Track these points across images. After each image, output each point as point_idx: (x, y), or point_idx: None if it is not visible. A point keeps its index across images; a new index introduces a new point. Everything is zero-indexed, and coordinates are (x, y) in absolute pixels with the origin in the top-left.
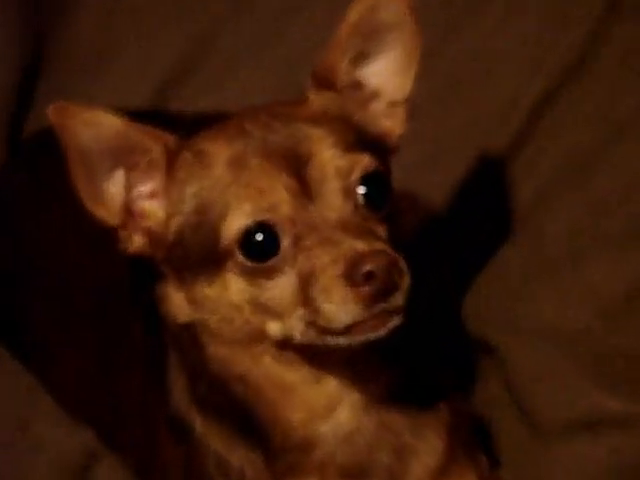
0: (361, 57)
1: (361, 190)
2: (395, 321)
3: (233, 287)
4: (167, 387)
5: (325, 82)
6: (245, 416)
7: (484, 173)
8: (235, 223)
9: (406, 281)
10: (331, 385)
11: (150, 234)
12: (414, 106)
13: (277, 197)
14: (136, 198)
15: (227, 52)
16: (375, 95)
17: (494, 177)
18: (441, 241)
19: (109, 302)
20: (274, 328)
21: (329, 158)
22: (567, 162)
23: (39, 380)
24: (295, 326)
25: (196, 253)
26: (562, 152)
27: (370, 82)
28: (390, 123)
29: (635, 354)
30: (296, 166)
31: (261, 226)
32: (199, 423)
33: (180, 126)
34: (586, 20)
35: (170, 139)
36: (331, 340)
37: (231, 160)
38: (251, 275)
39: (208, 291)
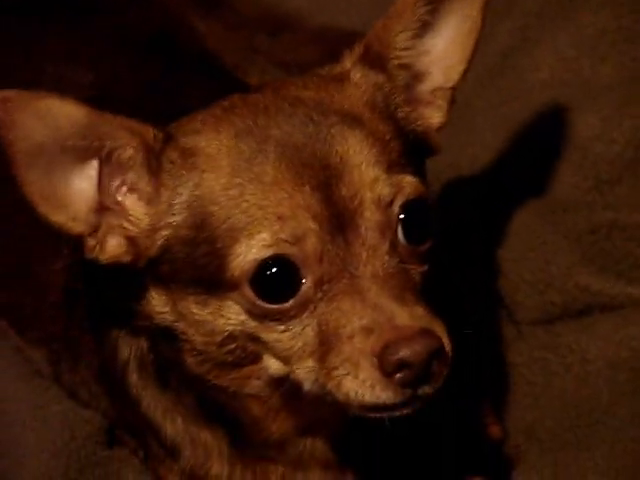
0: (422, 29)
1: (402, 222)
2: (419, 404)
3: (232, 317)
4: (99, 329)
5: (376, 59)
6: (214, 408)
7: None
8: (249, 253)
9: (446, 369)
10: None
11: (130, 240)
12: None
13: (303, 226)
14: (113, 193)
15: None
16: (422, 76)
17: None
18: None
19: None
20: (274, 366)
21: (369, 181)
22: None
23: None
24: (303, 376)
25: (187, 271)
26: None
27: (422, 59)
28: (431, 113)
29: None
30: (325, 180)
31: (280, 260)
32: (133, 382)
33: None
34: None
35: (148, 132)
36: (347, 407)
37: (237, 165)
38: (260, 313)
39: (198, 312)
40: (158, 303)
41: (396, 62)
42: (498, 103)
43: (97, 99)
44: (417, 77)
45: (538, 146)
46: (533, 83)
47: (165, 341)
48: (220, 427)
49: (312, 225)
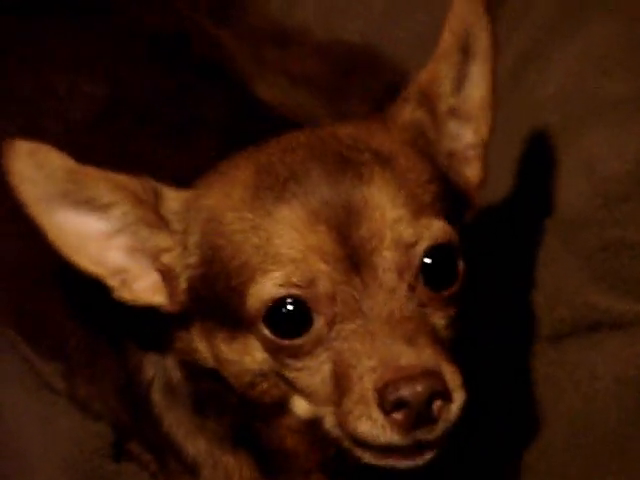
0: (460, 80)
1: (426, 265)
2: (431, 454)
3: (256, 354)
4: (130, 362)
5: (427, 101)
6: (247, 435)
7: None
8: (262, 292)
9: (454, 410)
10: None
11: (164, 275)
12: None
13: (314, 269)
14: (139, 238)
15: None
16: (461, 130)
17: None
18: None
19: None
20: (301, 407)
21: (390, 221)
22: (559, 8)
23: None
24: (327, 415)
25: (214, 309)
26: None
27: (462, 109)
28: (468, 169)
29: None
30: (345, 220)
31: (292, 300)
32: (156, 400)
33: None
34: None
35: (137, 187)
36: (361, 453)
37: (250, 200)
38: (277, 349)
39: (227, 351)
40: (202, 348)
41: (445, 107)
42: (505, 120)
43: (111, 112)
44: (461, 128)
45: (546, 164)
46: (541, 100)
47: (207, 376)
48: (245, 453)
49: (324, 268)
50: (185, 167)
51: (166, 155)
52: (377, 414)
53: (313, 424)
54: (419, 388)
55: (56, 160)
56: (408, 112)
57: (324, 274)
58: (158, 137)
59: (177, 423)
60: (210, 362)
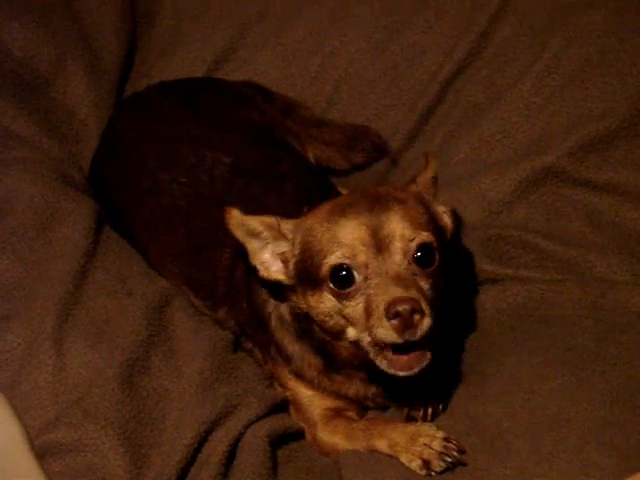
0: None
1: (418, 254)
2: (424, 363)
3: (326, 301)
4: (253, 292)
5: (421, 193)
6: (321, 347)
7: None
8: (328, 263)
9: (426, 322)
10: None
11: (284, 269)
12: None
13: (357, 249)
14: (273, 252)
15: (254, 42)
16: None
17: None
18: None
19: (200, 204)
20: (352, 333)
21: (399, 227)
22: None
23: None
24: (363, 337)
25: (304, 278)
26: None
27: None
28: (447, 221)
29: (516, 239)
30: (375, 226)
31: (343, 266)
32: (273, 324)
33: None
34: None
35: (272, 221)
36: (381, 363)
37: (328, 223)
38: (337, 296)
39: (311, 300)
40: (299, 301)
41: (427, 197)
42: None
43: (235, 173)
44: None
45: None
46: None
47: (302, 315)
48: (320, 355)
49: (362, 249)
50: (275, 202)
51: (265, 196)
52: (385, 322)
53: (357, 343)
54: (406, 306)
55: (245, 219)
56: (414, 188)
57: (362, 252)
58: (260, 186)
59: (283, 337)
60: (304, 308)
